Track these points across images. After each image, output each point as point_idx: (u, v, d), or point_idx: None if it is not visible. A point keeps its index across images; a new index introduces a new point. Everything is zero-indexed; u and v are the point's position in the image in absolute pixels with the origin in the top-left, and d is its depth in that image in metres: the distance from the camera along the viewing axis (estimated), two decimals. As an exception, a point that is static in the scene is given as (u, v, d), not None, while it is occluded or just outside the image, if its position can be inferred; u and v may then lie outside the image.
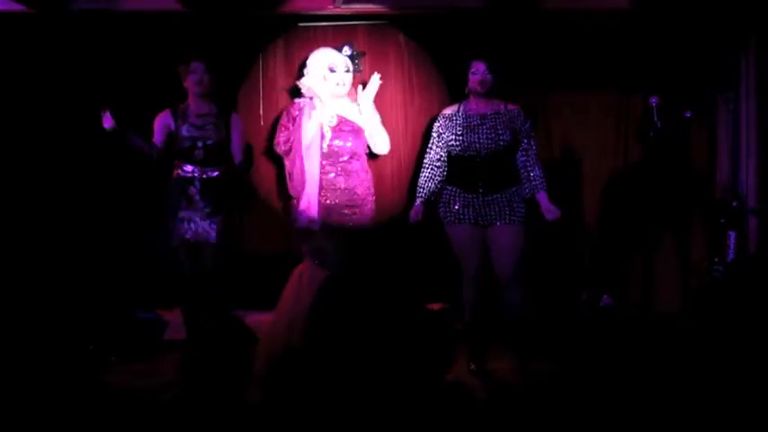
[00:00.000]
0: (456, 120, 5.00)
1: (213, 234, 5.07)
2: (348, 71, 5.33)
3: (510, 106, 5.03)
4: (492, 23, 5.55)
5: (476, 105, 5.01)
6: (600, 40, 5.70)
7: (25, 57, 5.54)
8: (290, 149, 5.30)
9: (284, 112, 5.40)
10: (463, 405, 2.48)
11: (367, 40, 5.59)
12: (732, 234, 5.60)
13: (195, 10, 5.35)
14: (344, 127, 5.30)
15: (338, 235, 5.21)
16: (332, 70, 5.28)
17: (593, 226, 5.89)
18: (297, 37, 5.70)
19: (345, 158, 5.28)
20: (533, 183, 4.95)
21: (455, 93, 5.34)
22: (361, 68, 5.48)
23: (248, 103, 5.66)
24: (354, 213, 5.25)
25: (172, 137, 5.08)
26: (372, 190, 5.38)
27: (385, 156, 5.57)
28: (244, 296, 5.41)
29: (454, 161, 5.01)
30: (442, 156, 5.06)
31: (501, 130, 4.93)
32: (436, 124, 5.10)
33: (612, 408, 3.54)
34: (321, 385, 2.39)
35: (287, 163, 5.35)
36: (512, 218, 4.90)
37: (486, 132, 4.92)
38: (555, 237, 5.59)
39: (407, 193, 5.61)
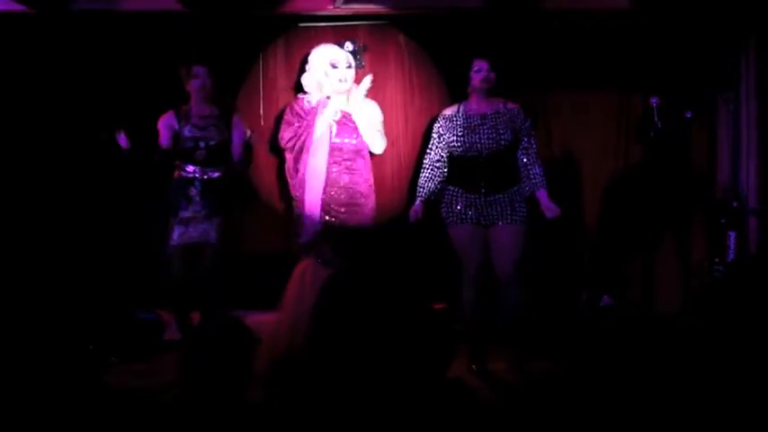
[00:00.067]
0: (456, 120, 5.00)
1: (213, 235, 5.08)
2: (350, 67, 5.31)
3: (510, 105, 5.03)
4: (492, 23, 5.55)
5: (476, 105, 5.01)
6: (600, 39, 5.70)
7: (25, 57, 5.54)
8: (295, 146, 5.27)
9: (288, 108, 5.39)
10: (464, 405, 2.47)
11: (367, 40, 5.59)
12: (732, 234, 5.60)
13: (195, 10, 5.35)
14: (349, 123, 5.29)
15: (339, 235, 5.20)
16: (333, 66, 5.27)
17: (594, 226, 5.89)
18: (297, 37, 5.70)
19: (349, 155, 5.26)
20: (533, 181, 4.95)
21: (455, 93, 5.34)
22: (364, 64, 5.45)
23: (248, 102, 5.67)
24: (355, 212, 5.24)
25: (176, 137, 5.09)
26: (374, 188, 5.37)
27: (385, 155, 5.57)
28: (244, 296, 5.41)
29: (456, 161, 5.01)
30: (442, 156, 5.06)
31: (502, 129, 4.93)
32: (436, 125, 5.10)
33: (612, 408, 3.53)
34: (323, 385, 2.39)
35: (290, 157, 5.32)
36: (513, 218, 4.90)
37: (488, 132, 4.92)
38: (555, 237, 5.59)
39: (407, 193, 5.61)
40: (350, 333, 2.38)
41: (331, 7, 5.53)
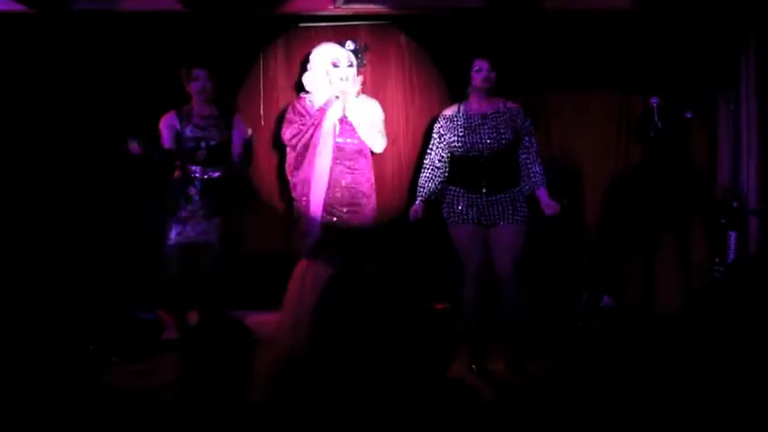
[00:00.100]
0: (457, 121, 5.00)
1: (212, 235, 5.07)
2: (351, 66, 5.30)
3: (509, 104, 5.03)
4: (493, 24, 5.55)
5: (476, 105, 5.00)
6: (600, 40, 5.70)
7: (25, 57, 5.54)
8: (298, 143, 5.26)
9: (290, 107, 5.38)
10: (465, 405, 2.47)
11: (368, 40, 5.59)
12: (732, 234, 5.60)
13: (195, 10, 5.35)
14: (351, 123, 5.28)
15: (341, 235, 5.20)
16: (335, 65, 5.26)
17: (594, 226, 5.89)
18: (297, 37, 5.70)
19: (351, 155, 5.25)
20: (533, 179, 4.95)
21: (456, 93, 5.33)
22: (365, 63, 5.44)
23: (249, 102, 5.67)
24: (356, 212, 5.24)
25: (178, 137, 5.10)
26: (375, 188, 5.37)
27: (385, 155, 5.57)
28: (244, 296, 5.41)
29: (457, 162, 5.01)
30: (443, 157, 5.06)
31: (503, 129, 4.93)
32: (437, 125, 5.10)
33: (613, 408, 3.53)
34: (324, 385, 2.39)
35: (291, 155, 5.30)
36: (515, 218, 4.90)
37: (489, 132, 4.92)
38: (555, 237, 5.59)
39: (407, 193, 5.61)
40: (351, 333, 2.38)
41: (331, 7, 5.53)
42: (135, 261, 5.57)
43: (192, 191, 5.08)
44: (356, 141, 5.27)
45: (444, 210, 5.02)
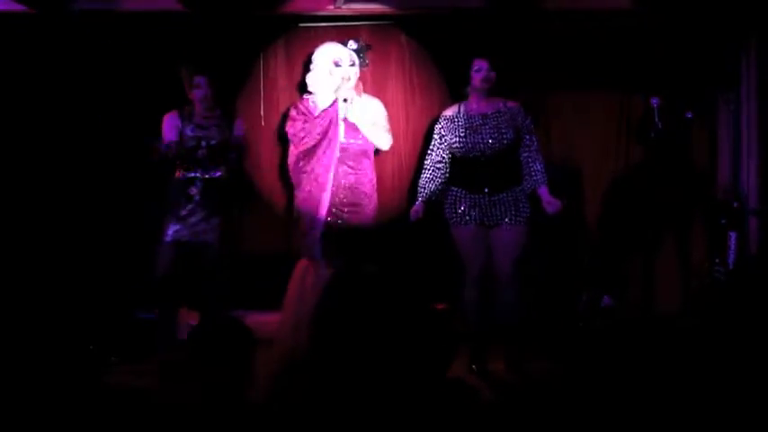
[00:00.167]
0: (458, 121, 5.00)
1: (212, 236, 5.08)
2: (353, 65, 5.29)
3: (510, 104, 5.03)
4: (493, 23, 5.54)
5: (477, 105, 5.00)
6: (601, 40, 5.69)
7: (25, 57, 5.54)
8: (302, 140, 5.24)
9: (292, 107, 5.37)
10: (465, 405, 2.47)
11: (369, 40, 5.58)
12: (733, 235, 5.59)
13: (195, 10, 5.35)
14: (355, 124, 5.27)
15: (342, 235, 5.19)
16: (337, 64, 5.26)
17: (594, 226, 5.88)
18: (297, 37, 5.70)
19: (355, 155, 5.25)
20: (534, 177, 4.96)
21: (456, 93, 5.33)
22: (368, 62, 5.44)
23: (249, 103, 5.66)
24: (357, 212, 5.23)
25: (179, 137, 5.10)
26: (377, 188, 5.37)
27: (385, 156, 5.57)
28: (244, 296, 5.41)
29: (458, 162, 5.00)
30: (443, 158, 5.05)
31: (504, 128, 4.93)
32: (437, 126, 5.10)
33: (613, 408, 3.53)
34: (325, 385, 2.39)
35: (294, 152, 5.28)
36: (517, 218, 4.90)
37: (490, 132, 4.92)
38: (555, 237, 5.59)
39: (408, 193, 5.61)
40: (352, 333, 2.37)
41: (332, 7, 5.53)
42: (135, 261, 5.56)
43: (194, 190, 5.08)
44: (360, 142, 5.26)
45: (446, 210, 5.01)
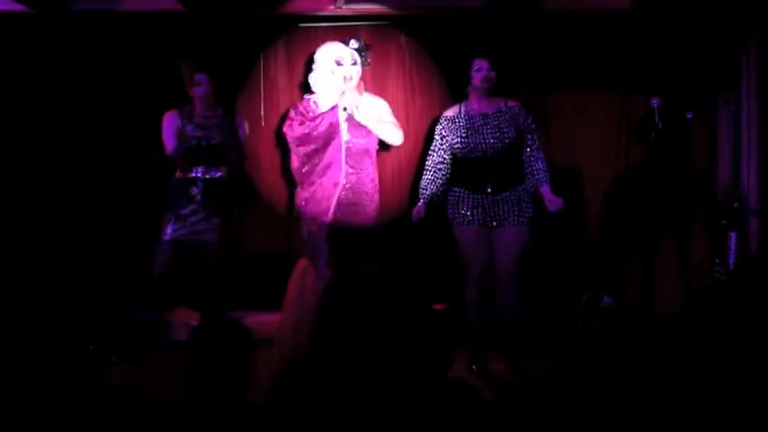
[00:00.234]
0: (458, 122, 4.99)
1: (211, 236, 5.07)
2: (355, 64, 5.29)
3: (510, 103, 5.03)
4: (493, 24, 5.54)
5: (477, 105, 5.00)
6: (601, 40, 5.69)
7: (26, 57, 5.54)
8: (303, 149, 5.24)
9: (292, 108, 5.37)
10: (465, 405, 2.47)
11: (368, 40, 5.58)
12: (733, 235, 5.59)
13: (195, 10, 5.35)
14: (356, 121, 5.27)
15: (343, 235, 5.19)
16: (339, 63, 5.25)
17: (594, 226, 5.88)
18: (298, 37, 5.70)
19: (357, 155, 5.24)
20: (536, 177, 4.96)
21: (456, 93, 5.33)
22: (370, 61, 5.44)
23: (249, 103, 5.66)
24: (357, 212, 5.23)
25: (180, 136, 5.10)
26: (378, 187, 5.36)
27: (385, 156, 5.57)
28: (244, 296, 5.41)
29: (460, 162, 5.00)
30: (445, 158, 5.05)
31: (505, 128, 4.93)
32: (438, 127, 5.09)
33: (612, 408, 3.53)
34: (326, 385, 2.39)
35: (297, 159, 5.27)
36: (520, 219, 4.90)
37: (491, 132, 4.92)
38: (555, 237, 5.59)
39: (408, 193, 5.61)
40: (353, 334, 2.38)
41: (332, 7, 5.53)
42: (135, 261, 5.56)
43: (195, 191, 5.08)
44: (362, 141, 5.26)
45: (449, 211, 5.01)
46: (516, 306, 4.90)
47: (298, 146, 5.23)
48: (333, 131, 5.17)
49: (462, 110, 5.03)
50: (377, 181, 5.34)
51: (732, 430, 3.36)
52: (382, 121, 5.31)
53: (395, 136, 5.36)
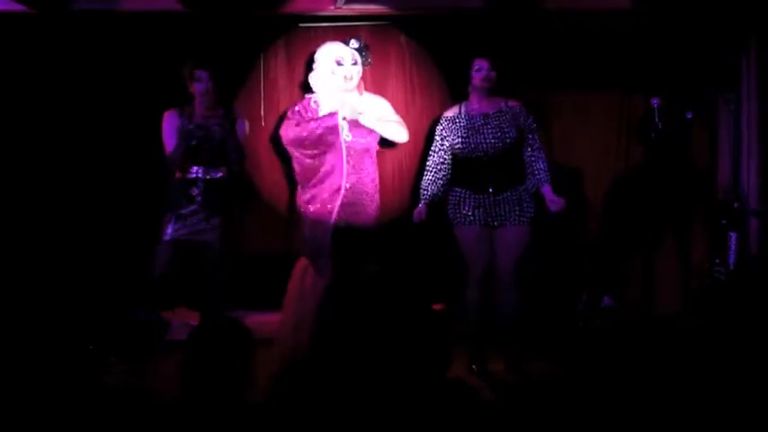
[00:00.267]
0: (459, 122, 4.99)
1: (211, 235, 5.06)
2: (355, 64, 5.29)
3: (511, 103, 5.03)
4: (493, 24, 5.54)
5: (478, 105, 5.00)
6: (601, 40, 5.69)
7: (26, 57, 5.54)
8: (301, 142, 5.24)
9: (290, 109, 5.37)
10: (465, 405, 2.47)
11: (368, 40, 5.58)
12: (733, 235, 5.59)
13: (195, 10, 5.34)
14: (357, 121, 5.27)
15: (342, 235, 5.18)
16: (339, 63, 5.25)
17: (594, 226, 5.88)
18: (298, 37, 5.69)
19: (358, 154, 5.24)
20: (538, 176, 4.96)
21: (456, 93, 5.33)
22: (371, 60, 5.43)
23: (249, 103, 5.65)
24: (358, 213, 5.22)
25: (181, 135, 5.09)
26: (379, 187, 5.36)
27: (386, 156, 5.57)
28: (244, 297, 5.40)
29: (461, 163, 5.00)
30: (445, 159, 5.05)
31: (506, 127, 4.93)
32: (439, 127, 5.09)
33: (612, 408, 3.53)
34: (326, 385, 2.39)
35: (299, 166, 5.27)
36: (521, 219, 4.90)
37: (492, 132, 4.92)
38: (555, 237, 5.59)
39: (408, 194, 5.61)
40: (354, 333, 2.38)
41: (332, 8, 5.53)
42: (135, 261, 5.56)
43: (195, 191, 5.06)
44: (363, 141, 5.26)
45: (450, 211, 5.01)
46: (516, 306, 4.90)
47: (293, 149, 5.23)
48: (332, 137, 5.16)
49: (463, 110, 5.03)
50: (377, 181, 5.34)
51: (732, 430, 3.36)
52: (386, 120, 5.31)
53: (401, 134, 5.37)
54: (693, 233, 5.87)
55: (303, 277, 5.14)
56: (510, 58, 5.26)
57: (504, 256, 4.90)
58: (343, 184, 5.15)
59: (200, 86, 5.07)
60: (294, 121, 5.24)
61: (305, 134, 5.18)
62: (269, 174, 5.67)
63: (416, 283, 5.29)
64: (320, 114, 5.24)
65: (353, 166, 5.22)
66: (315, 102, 5.31)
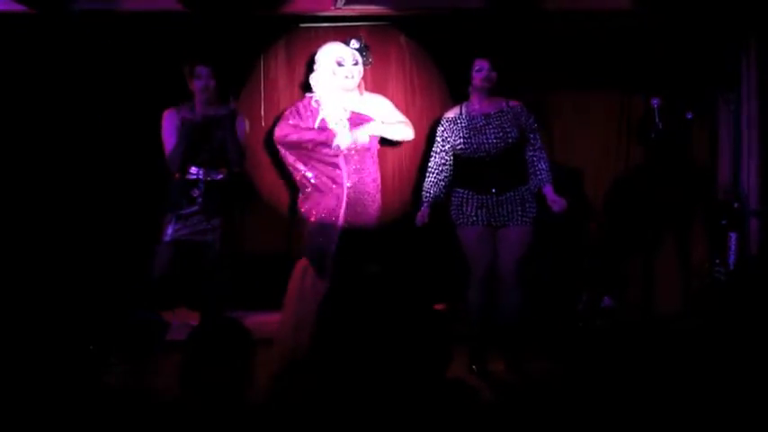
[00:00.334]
0: (460, 123, 4.99)
1: (211, 235, 5.06)
2: (356, 64, 5.29)
3: (512, 103, 5.03)
4: (493, 24, 5.54)
5: (478, 105, 5.00)
6: (601, 40, 5.70)
7: (26, 57, 5.54)
8: (295, 144, 5.25)
9: (289, 110, 5.37)
10: (464, 405, 2.47)
11: (368, 40, 5.58)
12: (733, 235, 5.59)
13: (195, 10, 5.34)
14: (358, 121, 5.27)
15: (344, 236, 5.18)
16: (340, 64, 5.25)
17: (594, 226, 5.88)
18: (298, 38, 5.69)
19: (359, 154, 5.24)
20: (539, 177, 4.96)
21: (456, 93, 5.33)
22: (371, 60, 5.43)
23: (249, 103, 5.65)
24: (359, 213, 5.22)
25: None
26: (380, 187, 5.36)
27: (386, 157, 5.57)
28: (244, 297, 5.41)
29: (464, 163, 5.00)
30: (447, 160, 5.05)
31: (508, 127, 4.93)
32: (440, 128, 5.09)
33: (612, 408, 3.53)
34: (326, 385, 2.39)
35: (296, 167, 5.28)
36: (524, 219, 4.90)
37: (494, 132, 4.92)
38: (555, 237, 5.59)
39: (408, 194, 5.61)
40: (354, 334, 2.38)
41: (332, 8, 5.53)
42: (136, 261, 5.56)
43: (196, 192, 5.05)
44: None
45: (452, 212, 5.00)
46: (518, 306, 4.91)
47: (285, 150, 5.25)
48: (326, 151, 5.18)
49: (463, 111, 5.03)
50: (379, 181, 5.34)
51: (732, 430, 3.36)
52: (389, 123, 5.32)
53: (407, 133, 5.39)
54: (693, 233, 5.87)
55: (303, 277, 5.14)
56: (510, 59, 5.26)
57: (506, 256, 4.89)
58: (343, 199, 5.15)
59: (199, 83, 5.05)
60: (287, 122, 5.26)
61: (295, 138, 5.21)
62: (269, 174, 5.67)
63: (417, 283, 5.29)
64: (321, 115, 5.25)
65: (354, 167, 5.22)
66: (316, 101, 5.31)
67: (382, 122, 5.30)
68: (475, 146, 4.91)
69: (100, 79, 5.53)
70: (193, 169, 5.07)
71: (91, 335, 5.13)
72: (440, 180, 5.06)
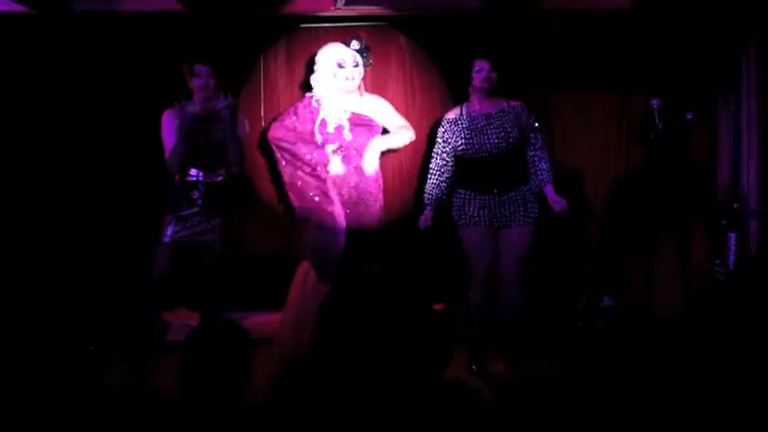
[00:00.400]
0: (461, 123, 4.99)
1: (211, 236, 5.05)
2: (357, 65, 5.30)
3: (513, 103, 5.03)
4: (492, 24, 5.54)
5: (479, 106, 5.00)
6: (600, 40, 5.69)
7: (26, 57, 5.54)
8: (287, 147, 5.26)
9: (288, 110, 5.37)
10: (464, 405, 2.47)
11: (368, 41, 5.58)
12: (733, 236, 5.59)
13: (196, 10, 5.34)
14: (358, 122, 5.28)
15: (346, 236, 5.18)
16: (340, 66, 5.26)
17: (594, 226, 5.88)
18: (298, 38, 5.70)
19: (360, 155, 5.25)
20: (540, 177, 4.96)
21: (456, 94, 5.33)
22: (372, 61, 5.44)
23: (249, 103, 5.65)
24: (361, 213, 5.23)
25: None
26: (382, 187, 5.36)
27: (386, 157, 5.56)
28: (245, 297, 5.40)
29: (465, 164, 4.99)
30: (448, 161, 5.05)
31: (509, 127, 4.92)
32: (440, 130, 5.09)
33: (612, 409, 3.53)
34: (326, 386, 2.39)
35: (286, 171, 5.30)
36: (526, 219, 4.90)
37: (496, 132, 4.92)
38: (555, 237, 5.58)
39: (408, 195, 5.61)
40: (355, 334, 2.38)
41: (332, 8, 5.53)
42: (136, 261, 5.56)
43: (196, 194, 5.04)
44: (362, 140, 5.26)
45: (454, 213, 5.00)
46: (519, 306, 4.90)
47: (279, 150, 5.27)
48: (321, 170, 5.21)
49: (464, 111, 5.02)
50: (380, 180, 5.35)
51: (732, 430, 3.36)
52: (389, 132, 5.34)
53: (407, 137, 5.40)
54: (693, 233, 5.87)
55: (305, 280, 5.15)
56: (510, 59, 5.26)
57: (508, 256, 4.89)
58: (336, 203, 5.17)
59: (199, 82, 5.03)
60: (282, 122, 5.29)
61: (288, 145, 5.23)
62: (269, 174, 5.67)
63: (418, 283, 5.29)
64: (321, 115, 5.26)
65: (355, 167, 5.23)
66: (317, 101, 5.31)
67: (380, 135, 5.32)
68: (476, 146, 4.91)
69: (100, 79, 5.53)
70: (193, 171, 5.06)
71: (91, 335, 5.13)
72: (441, 182, 5.06)
